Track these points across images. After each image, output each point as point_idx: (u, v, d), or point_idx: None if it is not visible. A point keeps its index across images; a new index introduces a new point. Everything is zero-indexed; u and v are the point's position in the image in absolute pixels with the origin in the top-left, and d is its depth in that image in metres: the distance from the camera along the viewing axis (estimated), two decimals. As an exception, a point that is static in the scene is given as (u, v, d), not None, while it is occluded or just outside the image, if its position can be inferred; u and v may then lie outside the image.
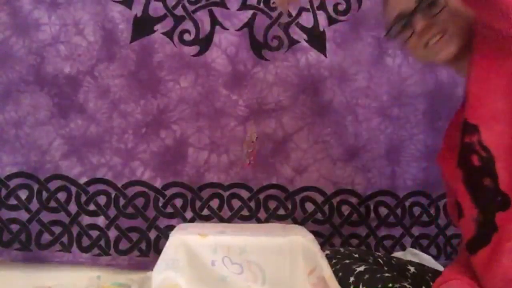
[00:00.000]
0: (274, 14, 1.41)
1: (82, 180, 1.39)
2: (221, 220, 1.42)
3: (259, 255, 1.07)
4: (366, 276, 0.87)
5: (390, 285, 0.83)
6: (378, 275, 0.86)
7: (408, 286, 0.86)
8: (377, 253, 1.02)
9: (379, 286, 0.84)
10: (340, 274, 0.94)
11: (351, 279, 0.88)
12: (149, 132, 1.40)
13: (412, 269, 0.98)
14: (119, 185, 1.40)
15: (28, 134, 1.37)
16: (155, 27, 1.40)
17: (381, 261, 0.97)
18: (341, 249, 1.04)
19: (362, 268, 0.89)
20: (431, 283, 0.93)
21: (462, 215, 0.85)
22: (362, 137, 1.43)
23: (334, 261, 1.00)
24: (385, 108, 1.43)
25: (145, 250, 1.40)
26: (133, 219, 1.40)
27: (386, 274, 0.86)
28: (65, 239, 1.39)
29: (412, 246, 1.45)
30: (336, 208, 1.44)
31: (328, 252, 1.05)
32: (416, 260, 1.23)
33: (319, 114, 1.43)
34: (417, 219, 1.46)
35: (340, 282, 0.94)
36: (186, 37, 1.40)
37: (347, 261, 0.95)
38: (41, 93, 1.38)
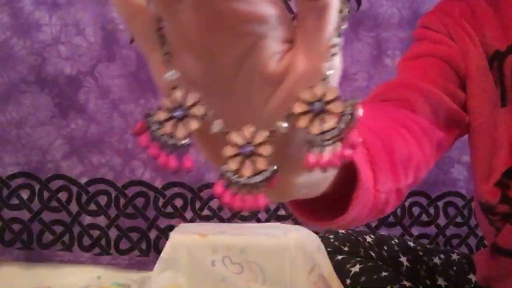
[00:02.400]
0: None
1: (83, 180, 1.40)
2: (221, 220, 1.42)
3: (259, 255, 1.07)
4: (363, 278, 0.87)
5: (389, 287, 0.83)
6: (375, 277, 0.86)
7: (407, 284, 0.86)
8: (367, 240, 0.99)
9: (377, 288, 0.84)
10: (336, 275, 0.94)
11: (348, 281, 0.88)
12: (149, 132, 1.41)
13: (405, 262, 0.97)
14: (120, 185, 1.40)
15: (29, 135, 1.38)
16: (155, 27, 1.40)
17: (372, 254, 0.96)
18: (330, 237, 1.00)
19: (357, 269, 0.89)
20: (427, 282, 0.93)
21: None
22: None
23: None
24: (385, 108, 1.43)
25: (145, 250, 1.41)
26: (133, 219, 1.41)
27: (383, 274, 0.86)
28: (66, 238, 1.39)
29: (412, 246, 1.45)
30: (336, 208, 1.44)
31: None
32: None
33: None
34: (417, 219, 1.46)
35: None
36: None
37: (339, 258, 0.94)
38: (42, 94, 1.38)
